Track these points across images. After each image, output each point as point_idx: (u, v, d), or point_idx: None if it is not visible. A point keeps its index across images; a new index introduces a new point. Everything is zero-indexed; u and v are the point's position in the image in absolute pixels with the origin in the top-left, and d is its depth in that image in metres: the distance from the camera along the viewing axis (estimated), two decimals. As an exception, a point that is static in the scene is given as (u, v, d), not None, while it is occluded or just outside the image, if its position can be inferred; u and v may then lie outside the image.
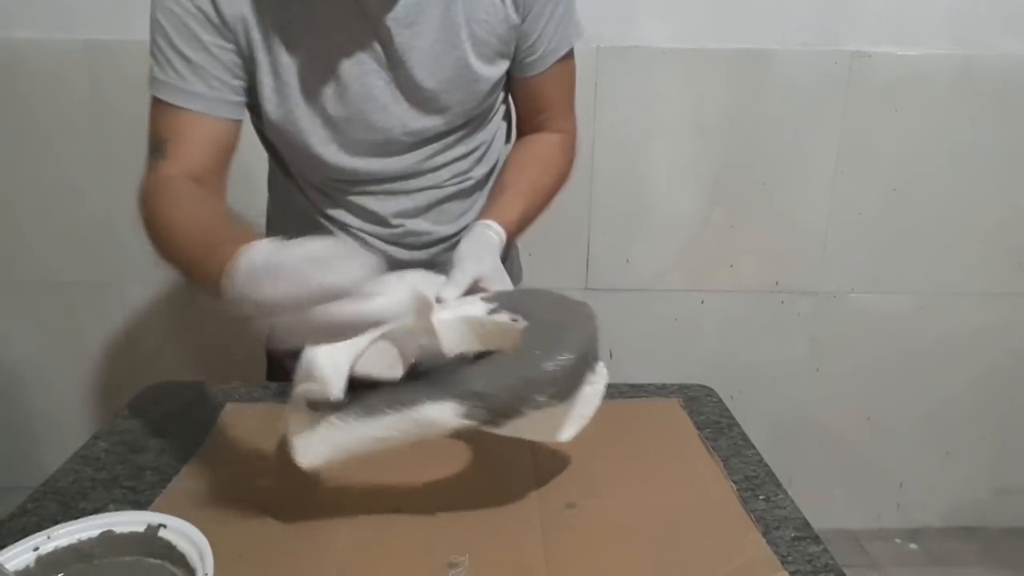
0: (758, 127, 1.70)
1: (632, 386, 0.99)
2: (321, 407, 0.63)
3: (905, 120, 1.70)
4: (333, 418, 0.62)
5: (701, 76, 1.66)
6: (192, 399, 0.95)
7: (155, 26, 0.80)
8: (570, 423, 0.67)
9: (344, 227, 0.95)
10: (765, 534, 0.69)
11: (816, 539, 0.69)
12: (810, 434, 1.93)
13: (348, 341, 0.69)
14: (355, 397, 0.64)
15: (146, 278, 1.72)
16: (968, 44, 1.65)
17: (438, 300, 0.75)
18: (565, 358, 0.63)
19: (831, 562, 0.66)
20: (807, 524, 0.71)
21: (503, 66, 0.91)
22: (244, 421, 0.86)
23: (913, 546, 1.96)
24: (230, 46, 0.81)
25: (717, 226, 1.76)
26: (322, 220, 0.95)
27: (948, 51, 1.66)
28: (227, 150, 0.85)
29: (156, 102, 0.82)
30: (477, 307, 0.75)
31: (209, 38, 0.80)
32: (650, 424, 0.90)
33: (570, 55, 0.96)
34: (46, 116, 1.62)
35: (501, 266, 0.83)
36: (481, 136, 0.96)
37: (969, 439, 1.94)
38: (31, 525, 0.69)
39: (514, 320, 0.72)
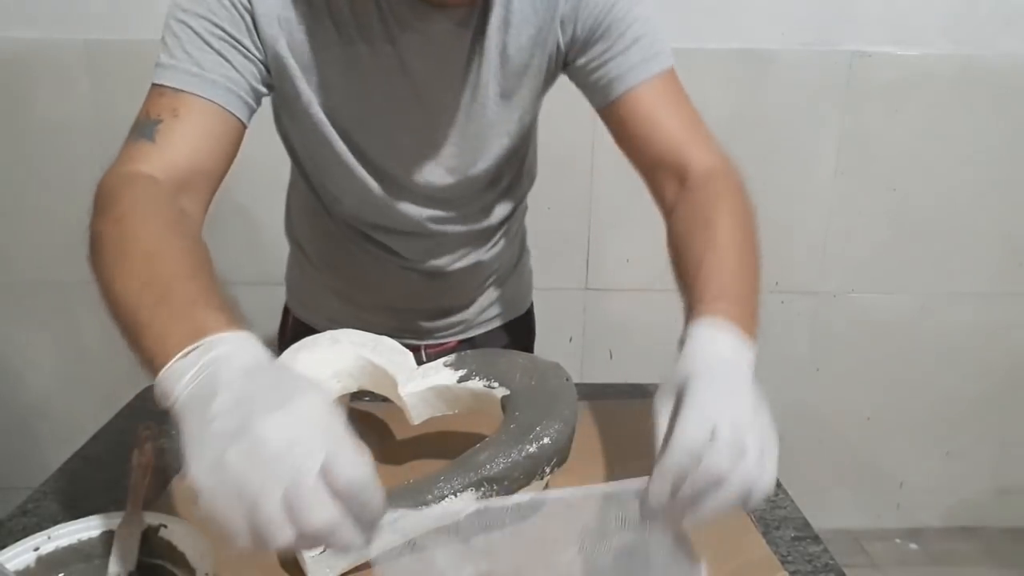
0: (758, 127, 1.69)
1: (632, 386, 0.99)
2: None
3: (905, 120, 1.70)
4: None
5: (701, 76, 1.66)
6: (192, 399, 0.95)
7: (174, 12, 0.70)
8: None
9: (367, 253, 0.93)
10: (765, 534, 0.69)
11: (816, 539, 0.69)
12: (810, 434, 1.92)
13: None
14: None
15: (146, 278, 1.72)
16: (968, 44, 1.65)
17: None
18: (562, 427, 0.65)
19: (831, 562, 0.66)
20: (807, 524, 0.71)
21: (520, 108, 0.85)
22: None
23: (913, 546, 1.96)
24: (259, 56, 0.73)
25: (717, 226, 1.76)
26: (345, 232, 0.93)
27: (948, 51, 1.66)
28: (225, 154, 0.71)
29: (155, 89, 0.70)
30: (444, 375, 0.73)
31: (241, 37, 0.70)
32: (650, 424, 0.90)
33: (663, 81, 0.84)
34: (46, 116, 1.62)
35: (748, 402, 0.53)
36: (510, 175, 0.94)
37: (969, 439, 1.94)
38: (31, 525, 0.69)
39: (489, 387, 0.71)
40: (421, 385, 0.72)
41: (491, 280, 1.02)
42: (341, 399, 0.79)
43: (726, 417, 0.50)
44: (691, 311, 0.61)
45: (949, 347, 1.86)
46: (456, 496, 0.62)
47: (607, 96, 0.82)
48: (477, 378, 0.72)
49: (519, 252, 1.08)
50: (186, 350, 0.46)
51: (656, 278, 1.79)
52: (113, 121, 1.58)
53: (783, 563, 0.65)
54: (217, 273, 0.56)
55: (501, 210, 0.95)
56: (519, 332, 1.11)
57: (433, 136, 0.82)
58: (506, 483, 0.62)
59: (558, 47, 0.80)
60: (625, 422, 0.90)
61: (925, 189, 1.75)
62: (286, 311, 1.09)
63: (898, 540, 1.97)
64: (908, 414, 1.92)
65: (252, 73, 0.72)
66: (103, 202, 0.63)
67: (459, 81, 0.79)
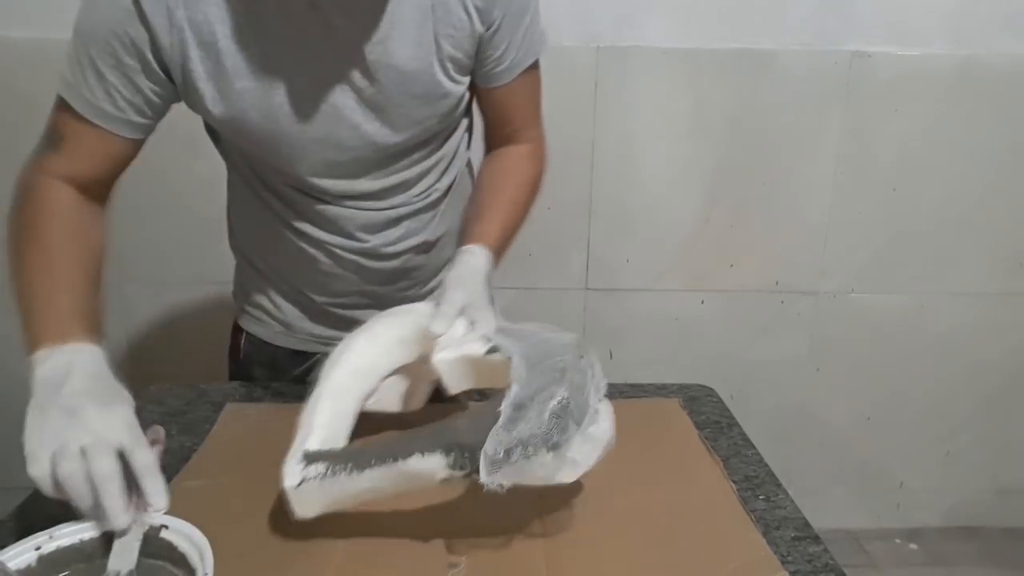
0: (758, 127, 1.70)
1: (632, 386, 0.99)
2: (314, 459, 0.65)
3: (905, 120, 1.70)
4: (325, 472, 0.64)
5: (701, 76, 1.66)
6: (192, 399, 0.96)
7: (77, 32, 0.77)
8: (567, 467, 0.64)
9: (309, 239, 0.93)
10: (765, 534, 0.69)
11: (816, 539, 0.69)
12: (810, 434, 1.93)
13: (356, 388, 0.76)
14: (347, 450, 0.65)
15: (146, 278, 1.72)
16: (968, 44, 1.65)
17: (431, 335, 0.74)
18: (551, 408, 0.62)
19: (831, 562, 0.66)
20: (807, 524, 0.71)
21: (466, 81, 0.90)
22: (244, 421, 0.86)
23: (913, 546, 1.96)
24: (155, 74, 0.78)
25: (717, 226, 1.76)
26: (286, 231, 0.93)
27: (948, 51, 1.66)
28: (121, 164, 0.84)
29: (61, 102, 0.80)
30: (476, 346, 0.73)
31: (131, 62, 0.76)
32: (650, 424, 0.90)
33: (536, 64, 0.94)
34: (46, 116, 1.61)
35: (484, 293, 0.81)
36: (445, 149, 0.95)
37: (969, 439, 1.94)
38: (32, 525, 0.69)
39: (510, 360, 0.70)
40: (455, 353, 0.73)
41: (444, 269, 1.03)
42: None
43: (461, 298, 0.78)
44: (464, 235, 0.89)
45: (949, 347, 1.86)
46: (423, 456, 0.62)
47: (501, 80, 0.91)
48: (503, 352, 0.71)
49: None
50: (55, 345, 0.68)
51: (656, 278, 1.79)
52: (113, 121, 1.58)
53: (783, 563, 0.65)
54: (99, 276, 0.77)
55: (443, 183, 0.97)
56: None
57: (374, 97, 0.83)
58: (477, 454, 0.61)
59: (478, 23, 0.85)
60: (625, 422, 0.90)
61: (925, 189, 1.75)
62: (237, 329, 1.07)
63: (898, 540, 1.97)
64: (908, 414, 1.92)
65: (143, 95, 0.79)
66: (22, 198, 0.79)
67: (401, 39, 0.81)
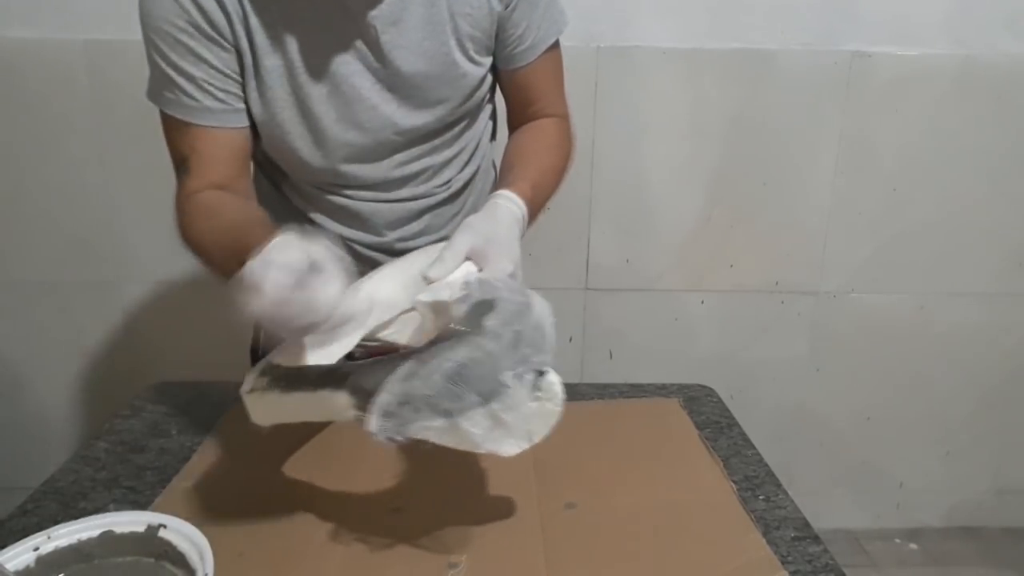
0: (758, 127, 1.69)
1: (632, 386, 0.99)
2: (266, 373, 0.66)
3: (905, 120, 1.70)
4: (266, 386, 0.66)
5: (701, 76, 1.66)
6: (192, 399, 0.96)
7: (149, 44, 0.80)
8: (467, 441, 0.59)
9: (328, 235, 0.93)
10: (765, 534, 0.69)
11: (816, 539, 0.69)
12: (810, 434, 1.93)
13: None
14: (296, 370, 0.66)
15: (146, 278, 1.72)
16: (968, 44, 1.65)
17: (427, 279, 0.71)
18: (444, 370, 0.58)
19: (831, 562, 0.66)
20: (807, 524, 0.71)
21: (487, 62, 0.90)
22: (245, 421, 0.85)
23: (913, 546, 1.96)
24: (227, 52, 0.80)
25: (717, 226, 1.76)
26: (306, 227, 0.93)
27: (948, 51, 1.66)
28: (246, 155, 0.86)
29: (168, 117, 0.82)
30: (448, 292, 0.68)
31: (206, 50, 0.79)
32: (650, 424, 0.90)
33: (556, 43, 0.94)
34: (46, 116, 1.62)
35: (505, 236, 0.77)
36: (468, 136, 0.95)
37: (969, 439, 1.94)
38: (31, 525, 0.69)
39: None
40: (430, 296, 0.70)
41: None
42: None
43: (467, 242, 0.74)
44: (501, 182, 0.86)
45: (949, 347, 1.86)
46: (334, 391, 0.62)
47: (524, 60, 0.91)
48: (467, 303, 0.66)
49: None
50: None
51: (656, 278, 1.79)
52: (113, 121, 1.59)
53: (783, 563, 0.65)
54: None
55: (464, 173, 0.97)
56: None
57: (389, 77, 0.84)
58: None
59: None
60: (625, 422, 0.90)
61: (925, 189, 1.75)
62: (256, 326, 1.06)
63: (898, 540, 1.97)
64: (908, 414, 1.92)
65: (232, 79, 0.81)
66: (179, 214, 0.83)
67: (412, 19, 0.82)
